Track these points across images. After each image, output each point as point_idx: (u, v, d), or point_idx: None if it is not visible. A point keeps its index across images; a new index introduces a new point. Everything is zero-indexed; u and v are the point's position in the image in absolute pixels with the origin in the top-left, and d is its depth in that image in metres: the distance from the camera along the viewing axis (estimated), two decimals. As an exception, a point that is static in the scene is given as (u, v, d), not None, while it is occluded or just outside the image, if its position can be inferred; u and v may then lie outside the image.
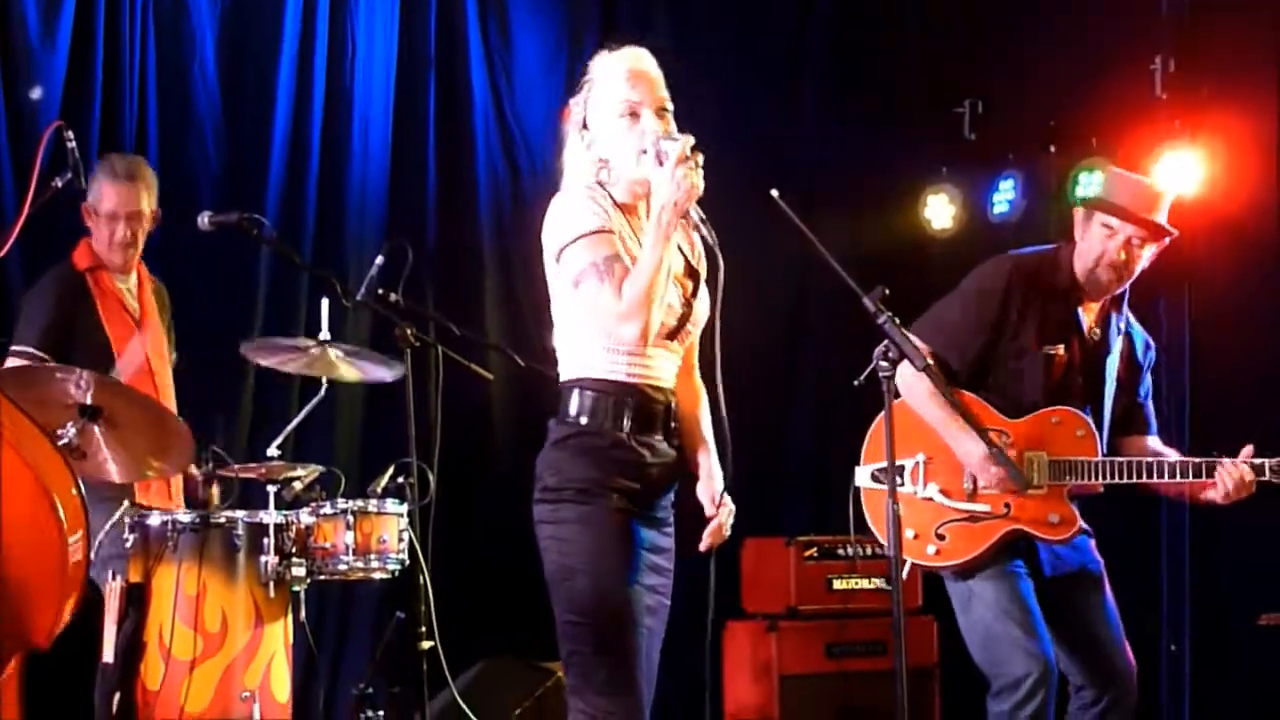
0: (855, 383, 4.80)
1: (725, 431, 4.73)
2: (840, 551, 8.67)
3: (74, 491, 3.75)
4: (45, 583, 3.83)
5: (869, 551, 8.58)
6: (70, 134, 5.44)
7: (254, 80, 8.79)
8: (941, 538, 5.97)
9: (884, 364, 4.61)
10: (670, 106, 4.68)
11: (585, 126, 4.70)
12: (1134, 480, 5.98)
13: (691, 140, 4.46)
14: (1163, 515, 9.07)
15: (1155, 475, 5.98)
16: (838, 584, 8.64)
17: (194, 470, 6.71)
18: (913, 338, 5.92)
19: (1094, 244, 6.01)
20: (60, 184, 5.53)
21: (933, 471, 6.01)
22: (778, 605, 8.59)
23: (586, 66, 4.79)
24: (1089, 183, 9.24)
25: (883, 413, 5.96)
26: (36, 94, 8.05)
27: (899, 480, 5.96)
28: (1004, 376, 6.04)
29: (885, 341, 4.62)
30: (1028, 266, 6.14)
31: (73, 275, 6.83)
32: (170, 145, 8.40)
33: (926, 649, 8.53)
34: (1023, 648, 5.83)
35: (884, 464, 5.87)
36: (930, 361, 4.66)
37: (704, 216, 4.58)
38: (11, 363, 6.57)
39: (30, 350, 6.58)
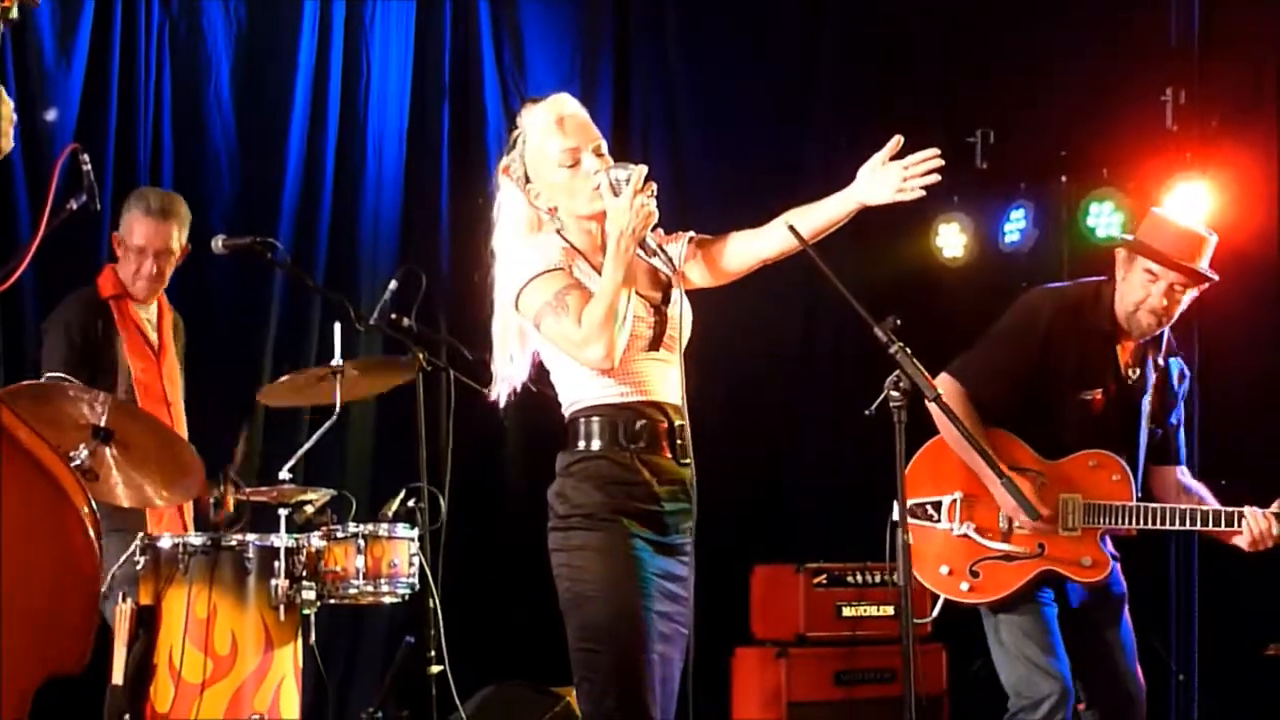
0: (866, 412, 4.80)
1: (692, 473, 4.70)
2: (849, 578, 8.68)
3: (89, 509, 3.78)
4: (80, 607, 3.84)
5: (881, 578, 8.60)
6: (85, 157, 5.44)
7: (268, 104, 8.82)
8: (975, 575, 6.01)
9: (895, 394, 4.61)
10: (604, 143, 4.73)
11: (529, 180, 4.75)
12: (1166, 528, 6.02)
13: (645, 169, 4.51)
14: (1171, 545, 9.08)
15: (1188, 523, 6.02)
16: (847, 611, 8.65)
17: (213, 488, 6.72)
18: (944, 375, 6.00)
19: (1135, 288, 6.01)
20: (75, 206, 5.53)
21: (969, 509, 6.05)
22: (787, 632, 8.60)
23: (516, 122, 4.84)
24: (1100, 213, 9.28)
25: (923, 448, 6.02)
26: (51, 116, 8.08)
27: (935, 516, 6.05)
28: (1042, 417, 6.07)
29: (896, 371, 4.62)
30: (1068, 305, 6.15)
31: (96, 301, 6.84)
32: (184, 168, 8.43)
33: (935, 677, 8.54)
34: (1043, 669, 5.90)
35: (922, 500, 6.01)
36: (940, 393, 4.65)
37: (660, 245, 4.67)
38: None
39: (61, 376, 6.59)
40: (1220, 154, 8.83)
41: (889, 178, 4.78)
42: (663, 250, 4.67)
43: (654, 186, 4.52)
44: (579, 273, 4.62)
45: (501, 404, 4.87)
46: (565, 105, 4.77)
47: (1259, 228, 8.68)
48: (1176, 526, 6.03)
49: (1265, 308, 8.66)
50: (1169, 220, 6.20)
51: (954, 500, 6.05)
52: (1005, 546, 6.00)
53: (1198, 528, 6.04)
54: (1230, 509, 6.02)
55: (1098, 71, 9.34)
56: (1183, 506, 6.06)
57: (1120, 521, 6.00)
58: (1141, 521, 6.01)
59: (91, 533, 3.47)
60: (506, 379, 4.83)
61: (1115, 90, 9.26)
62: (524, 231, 4.76)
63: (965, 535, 6.02)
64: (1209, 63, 8.96)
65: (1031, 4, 9.77)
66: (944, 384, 5.98)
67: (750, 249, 4.86)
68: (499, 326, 4.80)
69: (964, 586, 6.02)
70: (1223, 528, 6.01)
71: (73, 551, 3.51)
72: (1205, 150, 8.89)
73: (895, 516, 5.89)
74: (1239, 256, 8.57)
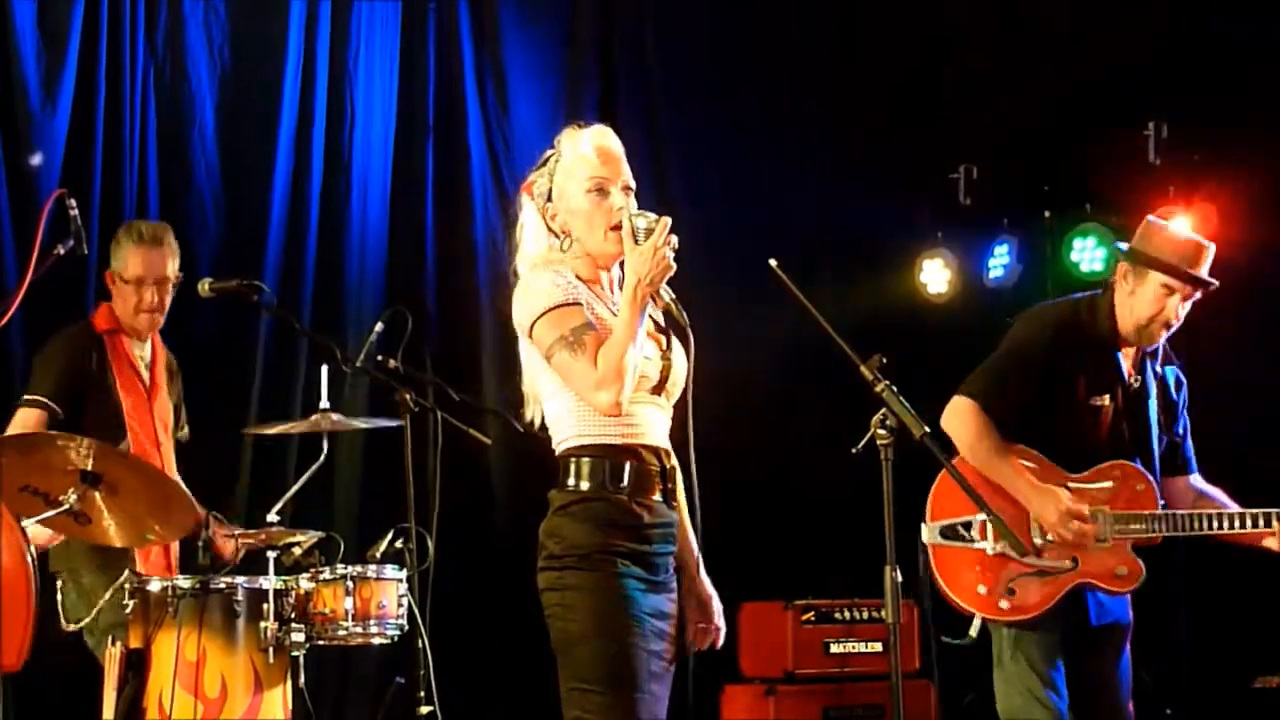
0: (853, 450, 4.80)
1: (696, 505, 4.71)
2: (838, 615, 8.68)
3: (21, 532, 3.99)
4: (16, 608, 3.98)
5: (869, 615, 8.61)
6: (72, 201, 5.46)
7: (253, 147, 8.83)
8: (1011, 592, 6.00)
9: (882, 432, 4.62)
10: (634, 185, 4.74)
11: (550, 199, 4.76)
12: (1196, 532, 6.06)
13: (669, 221, 4.53)
14: (1157, 570, 9.07)
15: (1215, 526, 6.06)
16: (835, 648, 8.65)
17: (209, 524, 6.73)
18: (958, 397, 6.04)
19: (1148, 302, 6.07)
20: (63, 251, 5.55)
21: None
22: (775, 669, 8.60)
23: (554, 141, 4.84)
24: (1083, 247, 9.32)
25: (945, 468, 5.97)
26: (37, 160, 8.09)
27: (968, 536, 6.04)
28: (1057, 430, 6.09)
29: (883, 409, 4.63)
30: (1068, 318, 6.20)
31: (90, 335, 6.85)
32: (170, 212, 8.41)
33: (923, 713, 8.53)
34: (1040, 701, 5.92)
35: (953, 520, 6.02)
36: (928, 430, 4.65)
37: (674, 296, 4.67)
38: (24, 412, 6.61)
39: (43, 400, 6.61)
40: (1203, 188, 8.86)
41: None
42: (676, 303, 4.67)
43: (675, 240, 4.52)
44: (596, 308, 4.62)
45: (537, 425, 4.82)
46: (607, 137, 4.77)
47: (1244, 262, 8.70)
48: (1207, 530, 6.06)
49: (1248, 337, 8.68)
50: (1172, 231, 6.23)
51: (985, 519, 6.02)
52: (1040, 562, 6.00)
53: (1227, 530, 6.06)
54: (1262, 510, 6.05)
55: (1080, 107, 9.38)
56: (1211, 511, 6.10)
57: (1151, 529, 6.04)
58: (1172, 528, 6.05)
59: (26, 552, 3.93)
60: (537, 401, 4.80)
61: (1098, 125, 9.31)
62: (545, 251, 4.75)
63: (1001, 553, 6.00)
64: (1191, 97, 8.99)
65: (1013, 40, 9.81)
66: (960, 405, 6.05)
67: None
68: (524, 347, 4.76)
69: (1003, 605, 6.00)
70: (1243, 528, 6.05)
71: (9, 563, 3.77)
72: (1188, 184, 8.92)
73: (925, 539, 5.96)
74: (1223, 289, 8.63)
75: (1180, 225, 6.30)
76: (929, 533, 6.05)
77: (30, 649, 4.18)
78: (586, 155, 4.71)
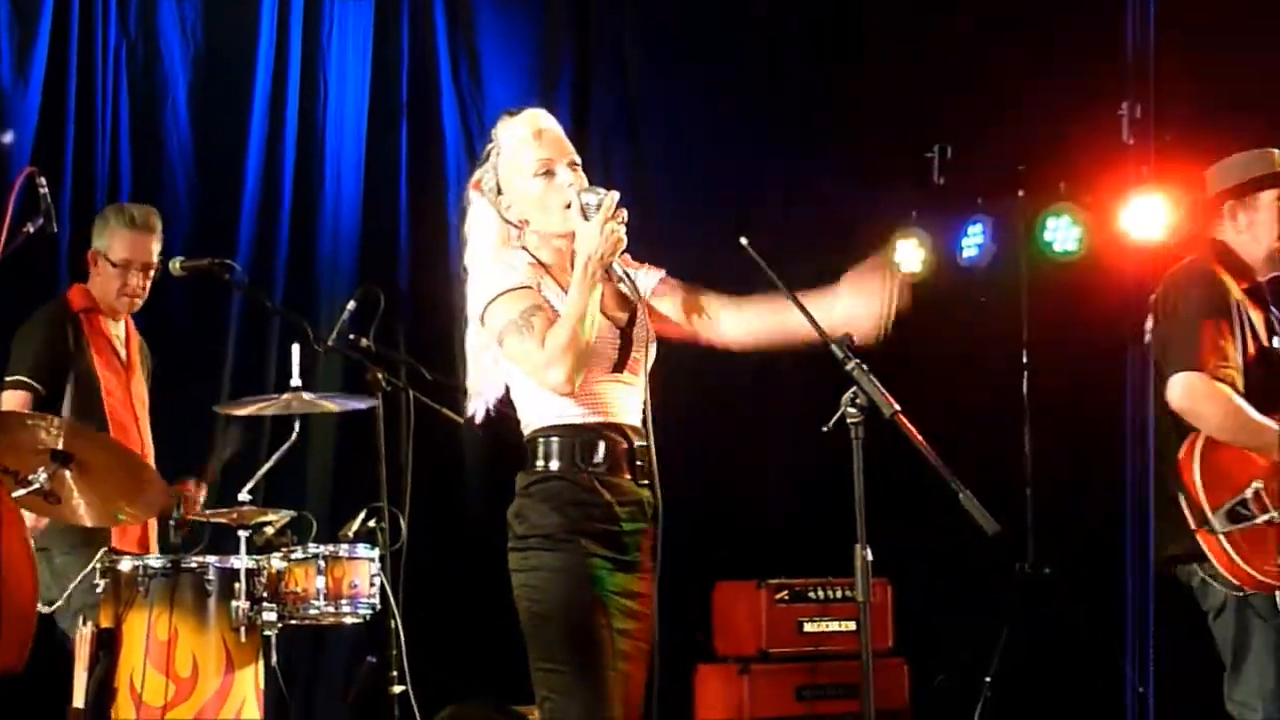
0: (824, 429, 4.77)
1: (653, 494, 4.70)
2: (811, 594, 8.69)
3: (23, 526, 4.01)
4: (24, 608, 3.99)
5: (840, 594, 8.62)
6: (43, 180, 5.44)
7: (226, 125, 8.80)
8: None
9: (852, 410, 4.59)
10: (579, 160, 4.76)
11: (500, 192, 4.77)
12: None
13: (616, 195, 4.55)
14: (1126, 550, 9.09)
15: None
16: (809, 626, 8.66)
17: (190, 488, 6.73)
18: (1186, 375, 5.78)
19: (1270, 221, 6.04)
20: (32, 230, 5.52)
21: (1275, 494, 5.71)
22: (749, 648, 8.60)
23: (491, 135, 4.85)
24: (1057, 227, 9.33)
25: (1195, 455, 5.76)
26: (8, 138, 8.05)
27: (1250, 513, 5.67)
28: (1258, 383, 5.85)
29: (853, 388, 4.61)
30: (1216, 263, 6.03)
31: (68, 313, 6.85)
32: (142, 190, 8.38)
33: (897, 692, 8.54)
34: None
35: (1229, 503, 5.68)
36: (898, 408, 4.60)
37: (627, 271, 4.69)
38: (9, 394, 6.63)
39: (25, 380, 6.61)
40: (1177, 167, 8.86)
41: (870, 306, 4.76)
42: (629, 277, 4.68)
43: (624, 213, 4.53)
44: (546, 291, 4.63)
45: (478, 420, 4.84)
46: (541, 119, 4.80)
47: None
48: None
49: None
50: (1237, 157, 6.22)
51: (1256, 491, 5.69)
52: None
53: None
54: None
55: (1054, 87, 9.37)
56: None
57: None
58: None
59: (31, 545, 3.90)
60: (480, 395, 4.81)
61: (1072, 105, 9.30)
62: (496, 246, 4.76)
63: None
64: (1164, 77, 9.00)
65: (987, 20, 9.81)
66: (1187, 381, 5.77)
67: (744, 326, 4.89)
68: (472, 343, 4.78)
69: None
70: None
71: (16, 564, 3.73)
72: (1162, 164, 8.92)
73: (1223, 528, 5.64)
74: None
75: (1232, 157, 6.24)
76: (1219, 522, 5.68)
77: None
78: (526, 140, 4.74)
